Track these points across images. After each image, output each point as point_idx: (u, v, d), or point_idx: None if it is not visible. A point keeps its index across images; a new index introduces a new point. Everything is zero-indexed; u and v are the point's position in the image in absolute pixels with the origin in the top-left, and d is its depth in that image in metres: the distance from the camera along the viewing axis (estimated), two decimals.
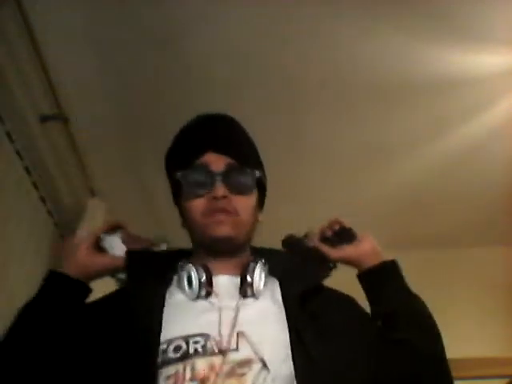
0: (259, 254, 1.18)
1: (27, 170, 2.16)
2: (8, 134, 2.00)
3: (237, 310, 1.03)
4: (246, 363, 0.95)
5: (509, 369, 2.67)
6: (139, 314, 1.02)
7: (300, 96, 2.30)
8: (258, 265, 1.10)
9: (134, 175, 2.65)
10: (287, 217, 2.94)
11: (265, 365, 0.95)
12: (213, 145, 1.17)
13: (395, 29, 2.03)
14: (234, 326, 1.00)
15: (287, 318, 1.04)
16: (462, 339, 2.82)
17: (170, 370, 0.96)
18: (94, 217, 2.51)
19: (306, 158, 2.61)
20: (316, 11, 1.96)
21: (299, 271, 1.17)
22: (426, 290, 3.31)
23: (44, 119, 2.18)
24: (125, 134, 2.43)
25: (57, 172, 2.41)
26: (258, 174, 1.20)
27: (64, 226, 2.54)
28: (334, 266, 1.29)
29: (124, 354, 0.97)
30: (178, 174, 1.17)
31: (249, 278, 1.08)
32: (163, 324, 1.02)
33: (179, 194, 1.19)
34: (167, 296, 1.08)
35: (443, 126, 2.46)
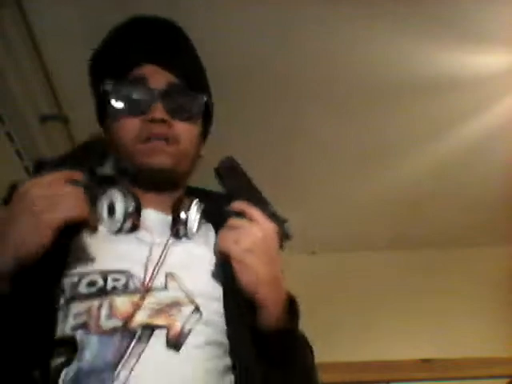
0: (195, 193, 1.00)
1: (27, 170, 2.16)
2: (8, 134, 2.00)
3: (166, 249, 0.89)
4: (175, 304, 0.85)
5: (509, 369, 2.67)
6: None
7: (299, 96, 2.30)
8: (194, 203, 0.95)
9: None
10: (287, 217, 2.94)
11: (197, 308, 0.86)
12: (155, 56, 0.98)
13: (395, 29, 2.03)
14: (161, 265, 0.87)
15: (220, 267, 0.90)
16: (462, 339, 2.83)
17: (80, 306, 0.82)
18: None
19: (305, 158, 2.61)
20: (315, 12, 1.96)
21: None
22: (426, 290, 3.33)
23: (44, 119, 2.18)
24: None
25: None
26: (204, 97, 1.02)
27: None
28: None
29: (30, 293, 0.79)
30: (108, 85, 0.97)
31: (183, 216, 0.93)
32: (73, 255, 0.85)
33: (105, 110, 1.00)
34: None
35: (443, 126, 2.46)
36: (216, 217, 0.96)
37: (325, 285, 2.94)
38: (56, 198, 0.77)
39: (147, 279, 0.85)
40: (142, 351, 0.80)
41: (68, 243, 0.84)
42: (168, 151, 0.95)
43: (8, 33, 1.87)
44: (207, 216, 0.98)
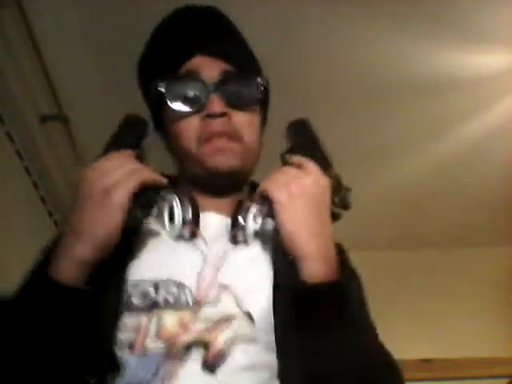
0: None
1: (27, 169, 2.16)
2: (8, 134, 2.00)
3: (223, 259, 0.83)
4: (224, 320, 0.77)
5: (509, 369, 2.67)
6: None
7: (299, 96, 2.30)
8: (254, 204, 0.84)
9: None
10: None
11: (251, 318, 0.78)
12: (202, 46, 0.91)
13: (395, 29, 2.03)
14: (215, 276, 0.81)
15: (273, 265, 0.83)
16: (462, 339, 2.83)
17: (130, 321, 0.77)
18: None
19: None
20: (315, 12, 1.96)
21: None
22: (426, 290, 3.33)
23: (44, 119, 2.18)
24: None
25: (57, 172, 2.41)
26: (261, 81, 0.94)
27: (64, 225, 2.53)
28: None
29: (96, 300, 0.76)
30: (160, 86, 0.90)
31: (241, 220, 0.84)
32: (130, 262, 0.81)
33: (161, 114, 0.94)
34: (142, 228, 0.84)
35: (443, 126, 2.46)
36: None
37: None
38: (127, 168, 0.76)
39: (199, 293, 0.79)
40: (177, 372, 0.73)
41: (130, 242, 0.81)
42: (234, 149, 0.88)
43: (8, 33, 1.87)
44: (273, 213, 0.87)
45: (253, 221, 0.84)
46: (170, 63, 0.92)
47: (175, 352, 0.74)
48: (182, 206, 0.83)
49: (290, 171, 0.81)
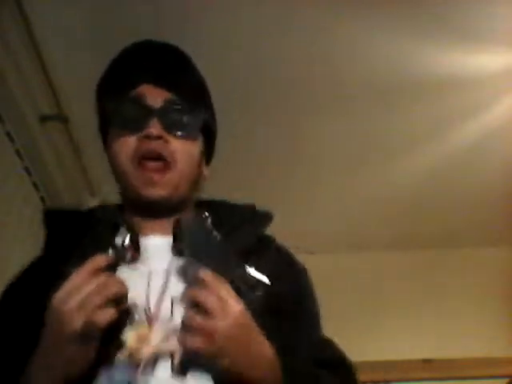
0: (207, 207, 0.98)
1: (27, 170, 2.16)
2: (8, 134, 2.00)
3: (167, 273, 0.88)
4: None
5: (509, 369, 2.67)
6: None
7: (298, 96, 2.30)
8: (194, 218, 0.92)
9: None
10: (287, 217, 2.94)
11: None
12: (152, 75, 0.98)
13: (395, 29, 2.03)
14: (163, 291, 0.86)
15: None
16: (462, 339, 2.83)
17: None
18: None
19: (305, 159, 2.61)
20: (315, 11, 1.96)
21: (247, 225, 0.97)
22: (426, 290, 3.33)
23: (44, 119, 2.18)
24: None
25: (57, 172, 2.40)
26: (204, 115, 1.00)
27: None
28: None
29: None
30: (107, 105, 0.99)
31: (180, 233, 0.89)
32: None
33: (107, 133, 1.01)
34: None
35: (443, 126, 2.46)
36: (227, 227, 0.93)
37: (324, 285, 2.93)
38: (92, 300, 0.77)
39: (151, 309, 0.84)
40: (148, 381, 0.79)
41: None
42: (163, 181, 0.94)
43: (8, 33, 1.87)
44: (218, 227, 0.92)
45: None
46: (120, 88, 0.99)
47: (143, 364, 0.80)
48: (120, 234, 0.90)
49: (207, 309, 0.79)
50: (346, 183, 2.76)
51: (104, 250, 0.87)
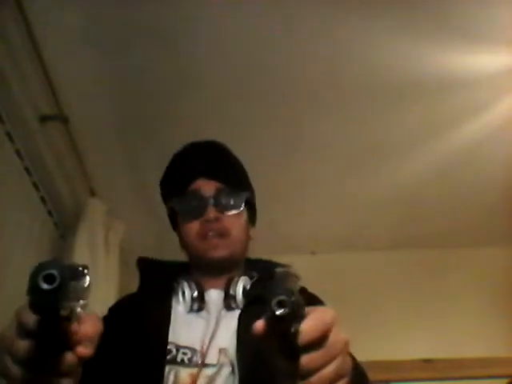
0: (252, 265, 1.26)
1: (27, 170, 2.16)
2: (8, 134, 2.00)
3: (216, 324, 1.12)
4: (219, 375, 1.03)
5: (509, 369, 2.67)
6: (152, 320, 1.12)
7: (299, 96, 2.30)
8: (242, 278, 1.19)
9: (133, 175, 2.65)
10: (288, 217, 2.95)
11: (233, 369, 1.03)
12: (203, 171, 1.26)
13: (394, 29, 2.03)
14: (212, 339, 1.08)
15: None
16: (462, 339, 2.83)
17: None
18: (94, 217, 2.51)
19: (305, 159, 2.61)
20: (316, 11, 1.96)
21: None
22: (426, 290, 3.32)
23: (44, 119, 2.18)
24: (125, 134, 2.43)
25: (57, 172, 2.41)
26: (246, 194, 1.28)
27: (64, 226, 2.54)
28: None
29: (137, 356, 1.05)
30: (173, 202, 1.27)
31: (231, 291, 1.16)
32: (171, 330, 1.11)
33: (176, 220, 1.29)
34: (173, 304, 1.18)
35: (443, 126, 2.46)
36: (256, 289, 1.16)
37: (324, 285, 2.93)
38: None
39: (204, 354, 1.06)
40: None
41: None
42: (222, 245, 1.20)
43: (8, 33, 1.87)
44: (262, 281, 1.18)
45: (242, 289, 1.16)
46: (179, 185, 1.27)
47: None
48: (190, 288, 1.18)
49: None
50: (346, 183, 2.76)
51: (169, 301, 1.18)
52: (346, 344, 0.77)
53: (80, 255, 2.32)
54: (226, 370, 1.04)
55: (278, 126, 2.42)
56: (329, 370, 0.69)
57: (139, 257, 1.28)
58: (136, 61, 2.13)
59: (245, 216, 1.28)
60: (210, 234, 1.21)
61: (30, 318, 0.64)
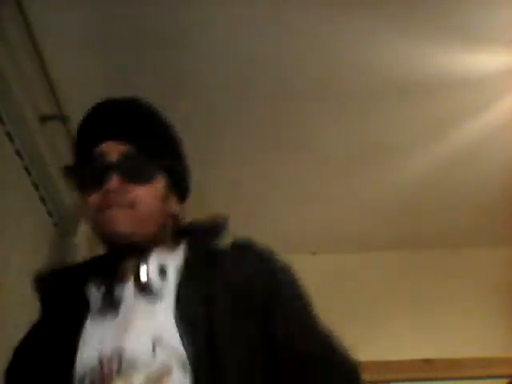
0: (183, 234, 1.08)
1: (27, 170, 2.16)
2: (8, 134, 2.00)
3: (129, 322, 0.96)
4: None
5: (509, 369, 2.67)
6: (56, 348, 0.96)
7: (299, 96, 2.30)
8: (152, 259, 0.99)
9: None
10: (288, 217, 2.94)
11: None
12: (110, 133, 1.06)
13: (395, 29, 2.03)
14: (122, 342, 0.93)
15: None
16: (462, 339, 2.83)
17: None
18: None
19: (305, 159, 2.61)
20: (316, 12, 1.96)
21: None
22: (426, 290, 3.32)
23: (44, 119, 2.18)
24: None
25: (57, 172, 2.40)
26: (166, 161, 1.07)
27: (64, 226, 2.54)
28: None
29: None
30: (78, 168, 1.10)
31: (143, 279, 0.97)
32: (79, 348, 0.95)
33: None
34: (89, 315, 0.99)
35: (443, 126, 2.46)
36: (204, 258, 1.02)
37: (325, 285, 2.94)
38: None
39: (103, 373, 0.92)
40: None
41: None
42: (125, 218, 1.01)
43: (8, 33, 1.87)
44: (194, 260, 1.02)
45: (156, 275, 0.97)
46: (83, 149, 1.09)
47: None
48: (96, 287, 1.00)
49: None
50: (346, 183, 2.76)
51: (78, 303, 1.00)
52: None
53: (80, 255, 2.32)
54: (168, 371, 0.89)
55: (279, 125, 2.42)
56: None
57: (36, 273, 1.07)
58: (136, 60, 2.13)
59: (160, 186, 1.06)
60: (113, 207, 1.01)
61: None
